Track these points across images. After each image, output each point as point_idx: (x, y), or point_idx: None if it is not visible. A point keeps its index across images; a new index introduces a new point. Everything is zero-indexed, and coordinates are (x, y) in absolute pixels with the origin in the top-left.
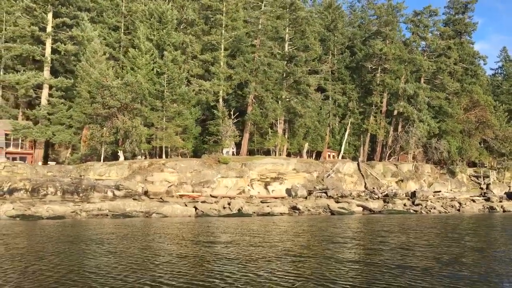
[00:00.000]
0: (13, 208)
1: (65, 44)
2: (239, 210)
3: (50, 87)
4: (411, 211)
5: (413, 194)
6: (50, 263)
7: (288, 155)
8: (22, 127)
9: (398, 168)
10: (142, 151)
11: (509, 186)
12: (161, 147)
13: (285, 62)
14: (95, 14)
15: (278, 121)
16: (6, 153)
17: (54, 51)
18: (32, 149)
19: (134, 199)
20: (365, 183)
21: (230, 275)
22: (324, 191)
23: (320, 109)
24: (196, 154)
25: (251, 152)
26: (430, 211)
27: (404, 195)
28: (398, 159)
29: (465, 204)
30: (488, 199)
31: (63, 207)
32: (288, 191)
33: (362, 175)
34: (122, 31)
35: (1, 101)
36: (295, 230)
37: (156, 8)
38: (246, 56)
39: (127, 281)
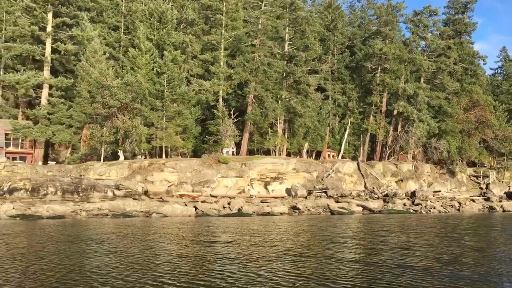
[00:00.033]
0: (13, 208)
1: (65, 44)
2: (239, 209)
3: (50, 87)
4: (411, 211)
5: (413, 194)
6: (50, 263)
7: (288, 155)
8: (22, 126)
9: (398, 168)
10: (142, 150)
11: (509, 186)
12: (161, 147)
13: (285, 62)
14: (95, 14)
15: (278, 121)
16: (6, 152)
17: (54, 50)
18: (32, 148)
19: (134, 199)
20: (365, 183)
21: (231, 274)
22: (324, 191)
23: (320, 109)
24: (196, 154)
25: (251, 152)
26: (429, 211)
27: (404, 195)
28: (398, 159)
29: (465, 204)
30: (487, 199)
31: (63, 207)
32: (288, 191)
33: (362, 175)
34: (122, 30)
35: (1, 101)
36: (295, 229)
37: (156, 7)
38: (246, 56)
39: (128, 280)
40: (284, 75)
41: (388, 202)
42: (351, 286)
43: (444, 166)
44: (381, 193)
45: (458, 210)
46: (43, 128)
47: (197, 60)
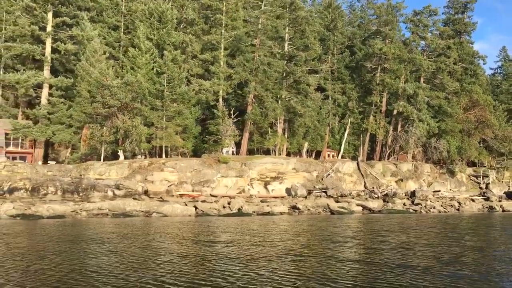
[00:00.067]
0: (13, 208)
1: (65, 44)
2: (239, 209)
3: (50, 87)
4: (411, 210)
5: (413, 194)
6: (51, 262)
7: (288, 154)
8: (22, 126)
9: (398, 168)
10: (142, 150)
11: (509, 186)
12: (161, 147)
13: (285, 61)
14: (95, 14)
15: (278, 121)
16: (6, 152)
17: (54, 50)
18: (32, 148)
19: (134, 199)
20: (365, 183)
21: (232, 274)
22: (323, 190)
23: (320, 109)
24: (196, 153)
25: (251, 152)
26: (429, 210)
27: (404, 194)
28: (397, 159)
29: (465, 203)
30: (487, 199)
31: (63, 207)
32: (288, 191)
33: (362, 175)
34: (122, 30)
35: (1, 101)
36: (295, 229)
37: (156, 7)
38: (246, 56)
39: (129, 280)
40: (284, 75)
41: (388, 202)
42: (351, 285)
43: (444, 166)
44: (381, 193)
45: (458, 210)
46: (43, 128)
47: (197, 59)
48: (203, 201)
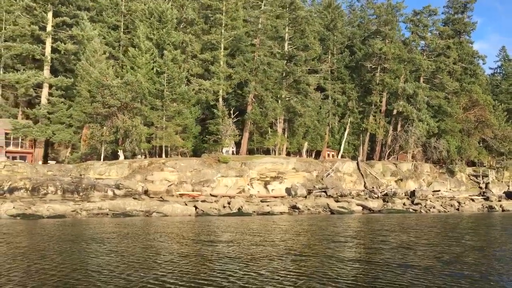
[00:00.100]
0: (13, 207)
1: (65, 43)
2: (239, 209)
3: (50, 86)
4: (411, 210)
5: (413, 193)
6: (53, 262)
7: (288, 154)
8: (22, 126)
9: (398, 168)
10: (142, 150)
11: (508, 186)
12: (161, 146)
13: (285, 61)
14: (95, 13)
15: (277, 121)
16: (6, 152)
17: (54, 50)
18: (32, 148)
19: (134, 198)
20: (365, 183)
21: (232, 273)
22: (323, 190)
23: (320, 109)
24: (195, 153)
25: (250, 151)
26: (429, 210)
27: (404, 194)
28: (397, 159)
29: (464, 203)
30: (487, 199)
31: (64, 206)
32: (287, 190)
33: (362, 175)
34: (122, 30)
35: (1, 100)
36: (296, 229)
37: (155, 7)
38: (246, 56)
39: (130, 280)
40: (284, 74)
41: (387, 202)
42: (353, 285)
43: (443, 165)
44: (380, 192)
45: (458, 209)
46: (43, 128)
47: (197, 59)
48: (203, 201)
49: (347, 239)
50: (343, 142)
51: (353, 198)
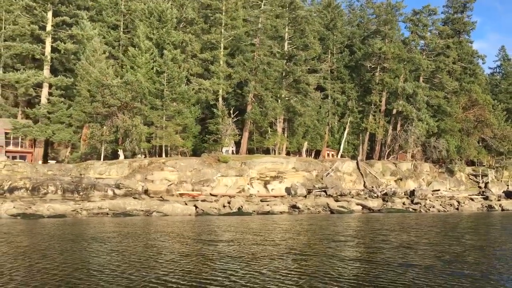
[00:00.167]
0: (14, 207)
1: (64, 43)
2: (239, 208)
3: (50, 86)
4: (410, 209)
5: (412, 193)
6: (54, 262)
7: (288, 154)
8: (22, 125)
9: (397, 167)
10: (142, 149)
11: (507, 185)
12: (161, 146)
13: (285, 61)
14: (94, 13)
15: (277, 120)
16: (6, 151)
17: (54, 49)
18: (32, 147)
19: (134, 198)
20: (364, 182)
21: (234, 273)
22: (323, 189)
23: (320, 108)
24: (195, 153)
25: (250, 151)
26: (429, 209)
27: (403, 193)
28: (397, 158)
29: (464, 202)
30: (486, 198)
31: (64, 206)
32: (287, 190)
33: (361, 174)
34: (122, 29)
35: (1, 100)
36: (296, 228)
37: (155, 6)
38: (246, 55)
39: (132, 279)
40: (284, 74)
41: (387, 201)
42: (354, 284)
43: (443, 165)
44: (380, 192)
45: (457, 209)
46: (43, 127)
47: (196, 59)
48: (203, 201)
49: (347, 238)
50: (342, 141)
51: (352, 197)
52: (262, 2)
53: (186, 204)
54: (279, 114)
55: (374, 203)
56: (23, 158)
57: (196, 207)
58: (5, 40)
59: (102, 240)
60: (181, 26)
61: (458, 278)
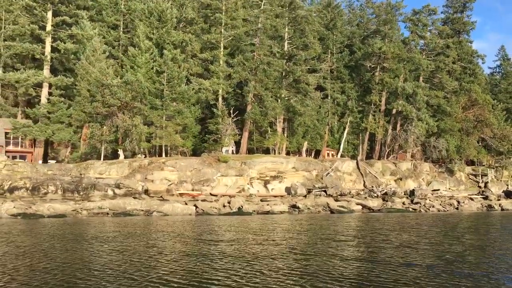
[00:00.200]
0: (14, 207)
1: (64, 43)
2: (239, 208)
3: (50, 86)
4: (410, 209)
5: (412, 193)
6: (55, 261)
7: (288, 153)
8: (22, 125)
9: (397, 167)
10: (142, 149)
11: (507, 185)
12: (161, 146)
13: (285, 60)
14: (94, 13)
15: (277, 120)
16: (6, 151)
17: (53, 49)
18: (31, 147)
19: (134, 198)
20: (364, 182)
21: (236, 272)
22: (323, 189)
23: (319, 108)
24: (195, 152)
25: (250, 151)
26: (428, 209)
27: (403, 193)
28: (397, 158)
29: (464, 202)
30: (486, 198)
31: (64, 206)
32: (287, 190)
33: (361, 174)
34: (121, 29)
35: (1, 100)
36: (296, 228)
37: (155, 6)
38: (246, 55)
39: (134, 279)
40: (284, 74)
41: (387, 201)
42: (355, 284)
43: (442, 164)
44: (380, 191)
45: (457, 208)
46: (43, 127)
47: (196, 59)
48: (203, 200)
49: (348, 238)
50: (342, 141)
51: (352, 197)
52: (262, 2)
53: (186, 204)
54: (279, 114)
55: (374, 203)
56: (23, 158)
57: (196, 207)
58: (5, 40)
59: (103, 240)
60: (181, 26)
61: (459, 277)
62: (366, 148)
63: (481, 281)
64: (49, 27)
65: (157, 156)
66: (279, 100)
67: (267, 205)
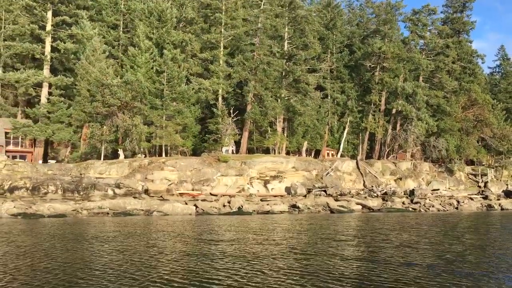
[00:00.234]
0: (14, 207)
1: (64, 42)
2: (239, 208)
3: (50, 86)
4: (410, 209)
5: (412, 192)
6: (57, 261)
7: (287, 153)
8: (22, 125)
9: (397, 166)
10: (142, 149)
11: (507, 184)
12: (161, 146)
13: (285, 60)
14: (94, 12)
15: (277, 120)
16: (6, 151)
17: (53, 49)
18: (31, 147)
19: (134, 198)
20: (364, 181)
21: (236, 272)
22: (323, 189)
23: (319, 108)
24: (195, 152)
25: (250, 151)
26: (428, 209)
27: (403, 193)
28: (396, 158)
29: (463, 202)
30: (486, 197)
31: (64, 206)
32: (287, 189)
33: (361, 174)
34: (121, 29)
35: (1, 99)
36: (297, 228)
37: (155, 6)
38: (246, 55)
39: (135, 278)
40: (284, 74)
41: (387, 201)
42: (356, 283)
43: (442, 164)
44: (380, 191)
45: (457, 208)
46: (43, 127)
47: (196, 58)
48: (203, 200)
49: (348, 237)
50: (342, 141)
51: (352, 197)
52: (262, 1)
53: (186, 203)
54: (279, 113)
55: (374, 203)
56: (23, 157)
57: (196, 207)
58: (5, 40)
59: (103, 239)
60: (181, 25)
61: (459, 277)
62: (366, 148)
63: (481, 281)
64: (49, 27)
65: (157, 156)
66: (279, 100)
67: (267, 204)
